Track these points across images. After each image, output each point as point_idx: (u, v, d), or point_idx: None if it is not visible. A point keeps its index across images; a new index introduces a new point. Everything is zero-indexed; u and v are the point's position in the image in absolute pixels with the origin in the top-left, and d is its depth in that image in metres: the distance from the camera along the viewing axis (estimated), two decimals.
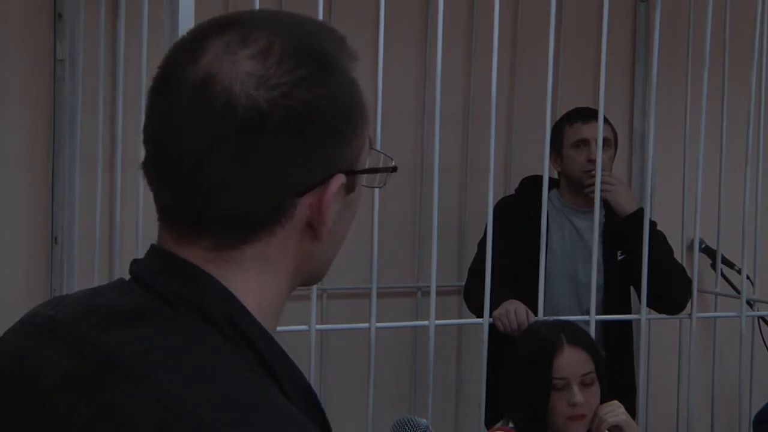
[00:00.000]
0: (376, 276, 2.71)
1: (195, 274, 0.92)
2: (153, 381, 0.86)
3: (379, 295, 2.74)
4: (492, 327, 2.90)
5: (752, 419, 3.22)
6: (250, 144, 0.90)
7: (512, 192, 3.50)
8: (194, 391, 0.85)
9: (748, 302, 3.36)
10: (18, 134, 3.21)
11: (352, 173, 0.96)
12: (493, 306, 2.90)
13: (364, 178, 0.99)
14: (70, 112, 3.10)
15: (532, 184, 3.30)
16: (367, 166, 0.99)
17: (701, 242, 3.81)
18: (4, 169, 3.19)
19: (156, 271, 0.94)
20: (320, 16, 2.62)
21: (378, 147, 2.68)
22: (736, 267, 3.86)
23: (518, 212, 3.29)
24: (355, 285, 3.58)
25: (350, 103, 0.94)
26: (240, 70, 0.90)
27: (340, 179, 0.94)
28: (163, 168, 0.93)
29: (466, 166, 3.81)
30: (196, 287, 0.92)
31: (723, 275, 3.86)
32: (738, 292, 3.68)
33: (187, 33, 0.96)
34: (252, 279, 0.94)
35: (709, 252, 3.87)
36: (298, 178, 0.92)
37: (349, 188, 0.96)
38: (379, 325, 2.73)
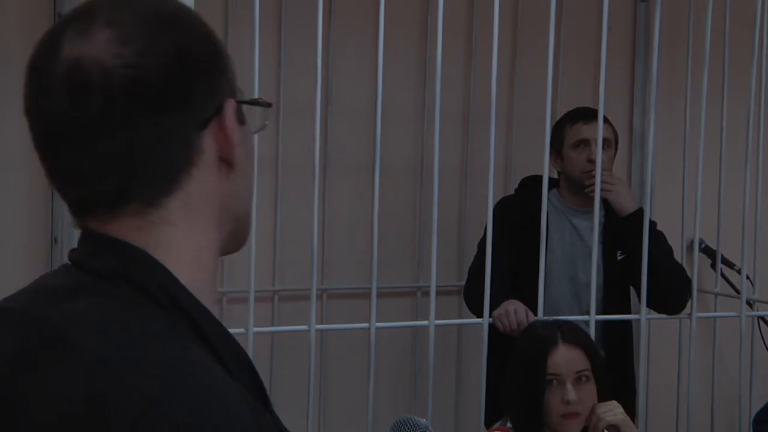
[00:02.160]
0: (376, 276, 2.71)
1: (126, 250, 0.95)
2: (86, 349, 0.88)
3: (379, 295, 2.74)
4: (492, 327, 2.90)
5: (752, 419, 3.22)
6: (136, 101, 0.92)
7: (512, 192, 3.50)
8: (125, 354, 0.87)
9: (747, 302, 3.36)
10: (17, 135, 3.20)
11: (238, 102, 1.00)
12: (493, 306, 2.90)
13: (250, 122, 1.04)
14: None
15: (531, 184, 3.30)
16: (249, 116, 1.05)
17: (701, 242, 3.81)
18: (4, 170, 3.19)
19: (89, 253, 0.97)
20: (320, 16, 2.62)
21: (378, 146, 2.68)
22: (735, 267, 3.87)
23: (518, 212, 3.29)
24: (355, 285, 3.59)
25: (211, 40, 1.00)
26: (98, 41, 0.93)
27: (231, 104, 0.98)
28: (60, 165, 0.96)
29: (466, 166, 3.81)
30: (129, 262, 0.94)
31: (723, 275, 3.86)
32: (738, 292, 3.69)
33: (44, 33, 0.99)
34: (182, 233, 0.96)
35: (708, 252, 3.87)
36: (194, 114, 0.95)
37: (240, 119, 1.00)
38: (379, 325, 2.73)
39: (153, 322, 0.91)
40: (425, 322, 2.81)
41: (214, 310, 0.97)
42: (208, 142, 0.97)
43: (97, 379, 0.86)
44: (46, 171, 0.98)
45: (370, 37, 3.39)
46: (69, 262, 0.99)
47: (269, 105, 1.08)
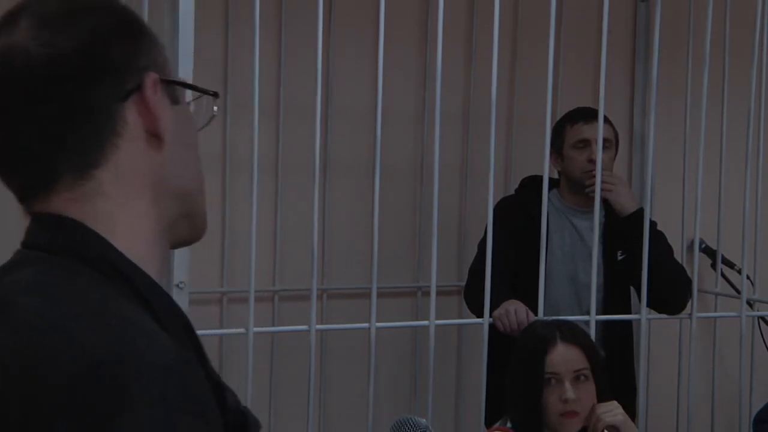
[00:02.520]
0: (376, 276, 2.71)
1: (64, 223, 0.99)
2: (27, 309, 0.93)
3: (379, 295, 2.74)
4: (492, 327, 2.90)
5: (752, 419, 3.22)
6: (55, 79, 0.98)
7: (512, 192, 3.50)
8: (63, 310, 0.92)
9: (748, 302, 3.36)
10: None
11: (165, 81, 1.04)
12: (494, 306, 2.90)
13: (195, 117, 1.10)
14: None
15: (532, 184, 3.30)
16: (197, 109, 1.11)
17: (701, 242, 3.82)
18: None
19: (33, 232, 1.03)
20: (320, 17, 2.62)
21: (378, 146, 2.68)
22: (736, 267, 3.87)
23: (518, 212, 3.29)
24: (355, 285, 3.59)
25: (131, 20, 1.05)
26: (20, 28, 0.99)
27: (151, 77, 1.02)
28: (1, 153, 1.02)
29: (466, 167, 3.81)
30: (67, 235, 0.99)
31: (723, 275, 3.86)
32: (738, 292, 3.69)
33: None
34: (116, 205, 1.00)
35: (709, 252, 3.87)
36: (114, 87, 1.00)
37: (172, 99, 1.05)
38: (379, 325, 2.74)
39: (85, 281, 0.96)
40: (425, 322, 2.81)
41: (161, 283, 1.02)
42: (131, 115, 1.01)
43: (36, 332, 0.90)
44: None
45: (371, 38, 3.40)
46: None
47: (214, 95, 1.13)
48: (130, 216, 1.01)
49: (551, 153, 3.20)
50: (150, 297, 0.98)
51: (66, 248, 0.98)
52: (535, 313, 2.91)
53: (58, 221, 1.00)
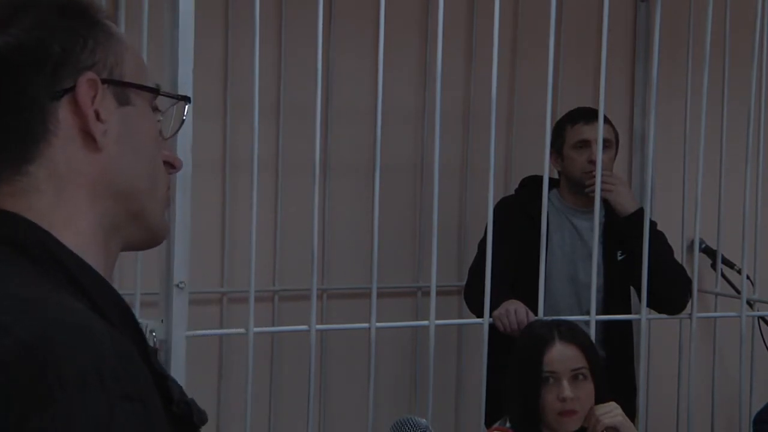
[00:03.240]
0: (376, 276, 2.71)
1: (1, 215, 0.99)
2: None
3: (379, 295, 2.74)
4: (492, 327, 2.90)
5: (752, 419, 3.22)
6: None
7: (512, 192, 3.50)
8: None
9: (748, 302, 3.36)
10: None
11: (110, 82, 1.03)
12: (494, 306, 2.90)
13: (163, 127, 1.10)
14: None
15: (532, 184, 3.30)
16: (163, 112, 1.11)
17: (701, 242, 3.82)
18: None
19: None
20: (320, 16, 2.62)
21: (378, 146, 2.68)
22: (736, 267, 3.87)
23: (518, 212, 3.29)
24: (355, 285, 3.59)
25: (80, 17, 1.04)
26: None
27: (87, 76, 1.01)
28: None
29: (466, 166, 3.81)
30: (2, 223, 0.99)
31: (723, 275, 3.86)
32: (738, 292, 3.69)
33: None
34: (52, 201, 1.00)
35: (709, 252, 3.87)
36: (47, 85, 1.00)
37: (120, 100, 1.04)
38: (379, 325, 2.73)
39: (21, 270, 0.95)
40: (425, 322, 2.81)
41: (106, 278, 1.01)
42: (64, 113, 1.01)
43: None
44: None
45: (371, 38, 3.40)
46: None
47: (184, 98, 1.14)
48: (65, 213, 1.01)
49: (551, 153, 3.20)
50: (86, 284, 0.98)
51: (3, 239, 0.98)
52: (535, 313, 2.91)
53: None
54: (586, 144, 3.28)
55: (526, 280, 3.00)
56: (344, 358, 3.62)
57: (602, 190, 3.03)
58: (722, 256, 3.69)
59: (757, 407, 3.22)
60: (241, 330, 2.65)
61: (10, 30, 1.01)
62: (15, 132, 1.00)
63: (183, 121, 1.14)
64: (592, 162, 3.14)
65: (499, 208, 3.14)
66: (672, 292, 3.19)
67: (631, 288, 3.38)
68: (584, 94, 3.67)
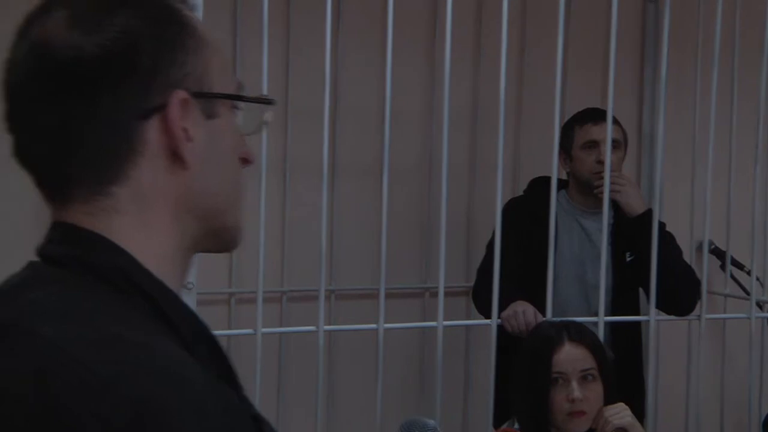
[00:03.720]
0: (384, 277, 2.71)
1: (78, 234, 0.95)
2: (38, 334, 0.87)
3: (387, 296, 2.74)
4: (500, 328, 2.90)
5: (761, 420, 3.21)
6: (76, 83, 0.93)
7: (521, 193, 3.50)
8: (76, 335, 0.86)
9: (757, 303, 3.35)
10: None
11: (201, 95, 0.97)
12: (502, 307, 2.90)
13: (242, 124, 1.03)
14: None
15: (540, 185, 3.29)
16: (244, 115, 1.03)
17: (710, 243, 3.81)
18: (14, 168, 3.19)
19: (49, 242, 0.97)
20: (328, 18, 2.62)
21: (386, 146, 2.68)
22: (745, 268, 3.86)
23: (526, 214, 3.28)
24: (363, 286, 3.58)
25: (170, 23, 0.97)
26: (53, 22, 0.94)
27: (179, 95, 0.95)
28: (20, 146, 0.97)
29: (475, 167, 3.81)
30: (82, 246, 0.94)
31: (732, 276, 3.85)
32: (747, 293, 3.68)
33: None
34: (134, 222, 0.96)
35: (718, 253, 3.86)
36: (136, 103, 0.94)
37: (208, 114, 0.98)
38: (387, 325, 2.73)
39: (108, 304, 0.91)
40: (433, 323, 2.80)
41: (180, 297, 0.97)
42: (152, 133, 0.95)
43: (47, 360, 0.84)
44: (12, 143, 0.99)
45: (379, 38, 3.39)
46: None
47: (267, 102, 1.07)
48: (147, 236, 0.96)
49: (560, 154, 3.19)
50: (173, 316, 0.93)
51: (82, 263, 0.93)
52: (544, 314, 2.90)
53: (74, 233, 0.95)
54: (594, 144, 3.27)
55: (535, 282, 3.00)
56: (352, 358, 3.62)
57: (611, 190, 3.02)
58: (731, 257, 3.68)
59: (766, 409, 3.21)
60: (249, 330, 2.65)
61: (95, 37, 0.93)
62: (98, 151, 0.94)
63: (266, 123, 1.07)
64: (601, 162, 3.13)
65: (507, 209, 3.14)
66: (681, 294, 3.18)
67: (640, 289, 3.37)
68: (593, 95, 3.67)
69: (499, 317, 2.87)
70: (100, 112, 0.93)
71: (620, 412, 2.56)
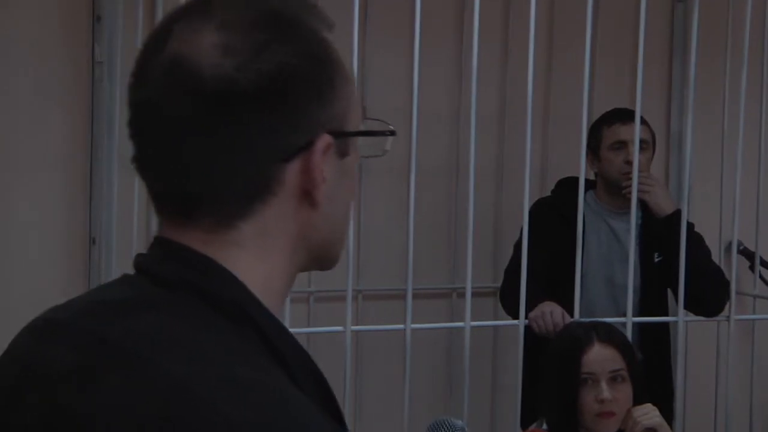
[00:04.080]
0: (411, 277, 2.71)
1: (195, 259, 0.92)
2: (155, 365, 0.85)
3: (414, 296, 2.74)
4: (527, 329, 2.89)
5: None
6: (225, 114, 0.90)
7: (548, 193, 3.49)
8: (195, 370, 0.84)
9: None
10: (56, 135, 3.24)
11: (340, 135, 0.94)
12: (529, 308, 2.89)
13: (360, 146, 0.99)
14: (108, 113, 3.12)
15: (567, 185, 3.28)
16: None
17: (739, 244, 3.78)
18: (42, 170, 3.22)
19: (157, 260, 0.95)
20: (356, 17, 2.62)
21: (414, 146, 2.68)
22: None
23: (554, 214, 3.27)
24: (390, 286, 3.59)
25: (323, 61, 0.94)
26: (204, 44, 0.90)
27: (325, 139, 0.92)
28: (147, 157, 0.94)
29: (502, 167, 3.80)
30: (197, 271, 0.92)
31: (761, 277, 3.83)
32: None
33: (157, 24, 0.97)
34: (253, 257, 0.93)
35: (747, 254, 3.84)
36: (280, 143, 0.91)
37: (342, 152, 0.95)
38: (414, 326, 2.73)
39: (225, 336, 0.88)
40: (461, 324, 2.80)
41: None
42: (291, 174, 0.92)
43: (173, 399, 0.83)
44: (134, 150, 0.96)
45: (406, 38, 3.39)
46: (132, 270, 0.97)
47: (392, 134, 1.01)
48: (263, 268, 0.94)
49: (587, 154, 3.19)
50: (281, 347, 0.91)
51: (193, 287, 0.91)
52: (571, 315, 2.90)
53: (190, 256, 0.92)
54: (622, 145, 3.26)
55: (562, 282, 2.99)
56: (379, 359, 3.62)
57: (639, 191, 3.01)
58: (761, 257, 3.66)
59: None
60: None
61: (249, 72, 0.89)
62: (233, 186, 0.91)
63: (387, 151, 1.03)
64: (629, 163, 3.12)
65: (534, 210, 3.13)
66: (709, 294, 3.17)
67: (668, 290, 3.36)
68: (620, 95, 3.65)
69: (526, 318, 2.87)
70: (242, 148, 0.90)
71: (649, 413, 2.55)
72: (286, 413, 0.84)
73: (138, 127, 0.94)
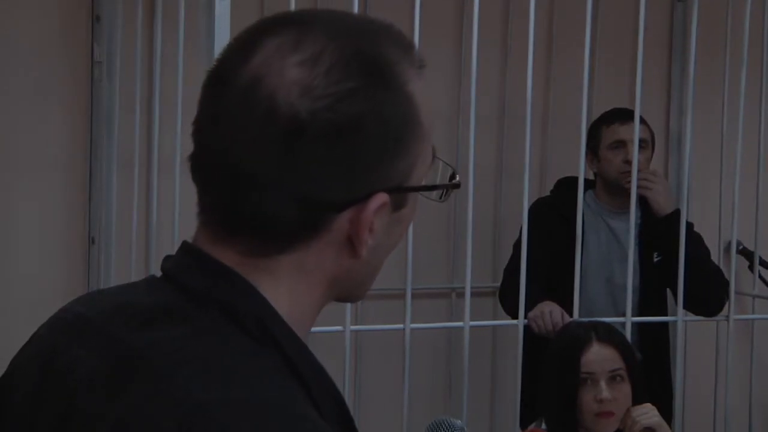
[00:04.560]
0: (410, 277, 2.71)
1: (226, 274, 0.91)
2: (176, 383, 0.85)
3: (413, 296, 2.74)
4: (527, 328, 2.89)
5: None
6: (289, 153, 0.88)
7: (548, 193, 3.49)
8: (217, 395, 0.84)
9: None
10: (56, 135, 3.24)
11: (398, 191, 0.92)
12: (529, 307, 2.89)
13: (422, 192, 0.96)
14: (108, 113, 3.12)
15: (567, 185, 3.28)
16: (427, 178, 0.96)
17: (739, 243, 3.78)
18: (42, 170, 3.22)
19: (187, 269, 0.93)
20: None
21: None
22: None
23: (553, 214, 3.28)
24: (389, 286, 3.57)
25: (400, 120, 0.91)
26: (286, 77, 0.88)
27: (381, 198, 0.90)
28: (205, 164, 0.93)
29: (501, 167, 3.80)
30: (226, 287, 0.91)
31: (761, 277, 3.83)
32: None
33: (247, 28, 0.94)
34: (283, 288, 0.92)
35: (746, 253, 3.84)
36: (336, 192, 0.89)
37: (397, 205, 0.93)
38: (413, 326, 2.73)
39: (248, 357, 0.88)
40: (460, 324, 2.80)
41: None
42: (338, 224, 0.91)
43: (190, 421, 0.83)
44: (194, 150, 0.94)
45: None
46: (160, 273, 0.96)
47: (456, 186, 0.98)
48: (293, 299, 0.93)
49: (587, 154, 3.19)
50: (303, 370, 0.90)
51: (219, 302, 0.90)
52: (571, 315, 2.90)
53: (220, 269, 0.91)
54: (621, 144, 3.26)
55: (562, 282, 2.99)
56: (379, 358, 3.62)
57: (641, 187, 3.01)
58: (760, 257, 3.66)
59: None
60: None
61: (323, 120, 0.87)
62: (281, 222, 0.89)
63: (449, 196, 1.00)
64: (628, 162, 3.12)
65: (534, 209, 3.13)
66: (708, 294, 3.17)
67: (668, 290, 3.36)
68: (620, 95, 3.65)
69: (526, 317, 2.87)
70: (298, 189, 0.89)
71: (648, 412, 2.55)
72: None
73: (202, 130, 0.93)
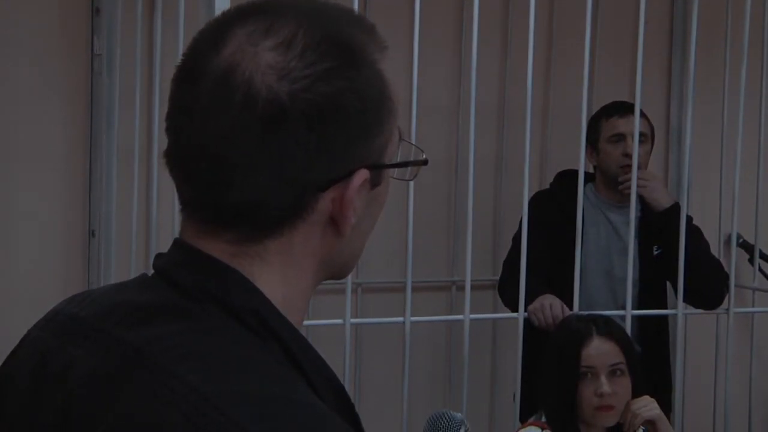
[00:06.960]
0: (410, 270, 2.71)
1: (218, 268, 0.92)
2: (178, 378, 0.85)
3: (413, 289, 2.74)
4: (527, 321, 2.90)
5: None
6: (270, 137, 0.89)
7: (547, 186, 3.49)
8: (220, 387, 0.84)
9: None
10: (56, 128, 3.24)
11: (377, 168, 0.94)
12: (529, 300, 2.90)
13: (394, 171, 0.98)
14: (107, 106, 3.12)
15: (567, 178, 3.28)
16: (397, 159, 0.98)
17: (738, 237, 3.78)
18: (42, 163, 3.23)
19: (179, 265, 0.94)
20: (356, 10, 2.62)
21: (413, 140, 2.68)
22: None
23: (553, 207, 3.28)
24: (389, 279, 3.59)
25: (376, 97, 0.93)
26: (262, 62, 0.89)
27: (363, 174, 0.93)
28: (183, 159, 0.93)
29: (501, 160, 3.80)
30: (219, 281, 0.91)
31: (761, 270, 3.83)
32: None
33: (212, 20, 0.95)
34: (276, 273, 0.93)
35: (746, 246, 3.84)
36: (320, 172, 0.91)
37: (374, 182, 0.95)
38: (413, 319, 2.74)
39: (249, 350, 0.89)
40: (460, 317, 2.81)
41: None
42: (322, 204, 0.92)
43: (195, 414, 0.83)
44: (169, 145, 0.94)
45: (406, 31, 3.39)
46: (152, 271, 0.96)
47: (424, 163, 1.00)
48: (284, 284, 0.94)
49: (586, 147, 3.18)
50: (302, 359, 0.91)
51: (214, 296, 0.90)
52: (570, 308, 2.90)
53: (212, 264, 0.92)
54: (621, 137, 3.26)
55: (561, 275, 2.99)
56: (379, 352, 3.62)
57: (637, 186, 3.01)
58: (760, 250, 3.66)
59: None
60: None
61: (302, 102, 0.89)
62: (267, 206, 0.91)
63: (414, 177, 1.02)
64: (628, 155, 3.12)
65: (533, 203, 3.13)
66: (708, 287, 3.17)
67: (667, 283, 3.36)
68: (620, 89, 3.65)
69: (525, 310, 2.87)
70: (282, 173, 0.90)
71: (647, 405, 2.56)
72: (310, 428, 0.84)
73: (177, 125, 0.93)
